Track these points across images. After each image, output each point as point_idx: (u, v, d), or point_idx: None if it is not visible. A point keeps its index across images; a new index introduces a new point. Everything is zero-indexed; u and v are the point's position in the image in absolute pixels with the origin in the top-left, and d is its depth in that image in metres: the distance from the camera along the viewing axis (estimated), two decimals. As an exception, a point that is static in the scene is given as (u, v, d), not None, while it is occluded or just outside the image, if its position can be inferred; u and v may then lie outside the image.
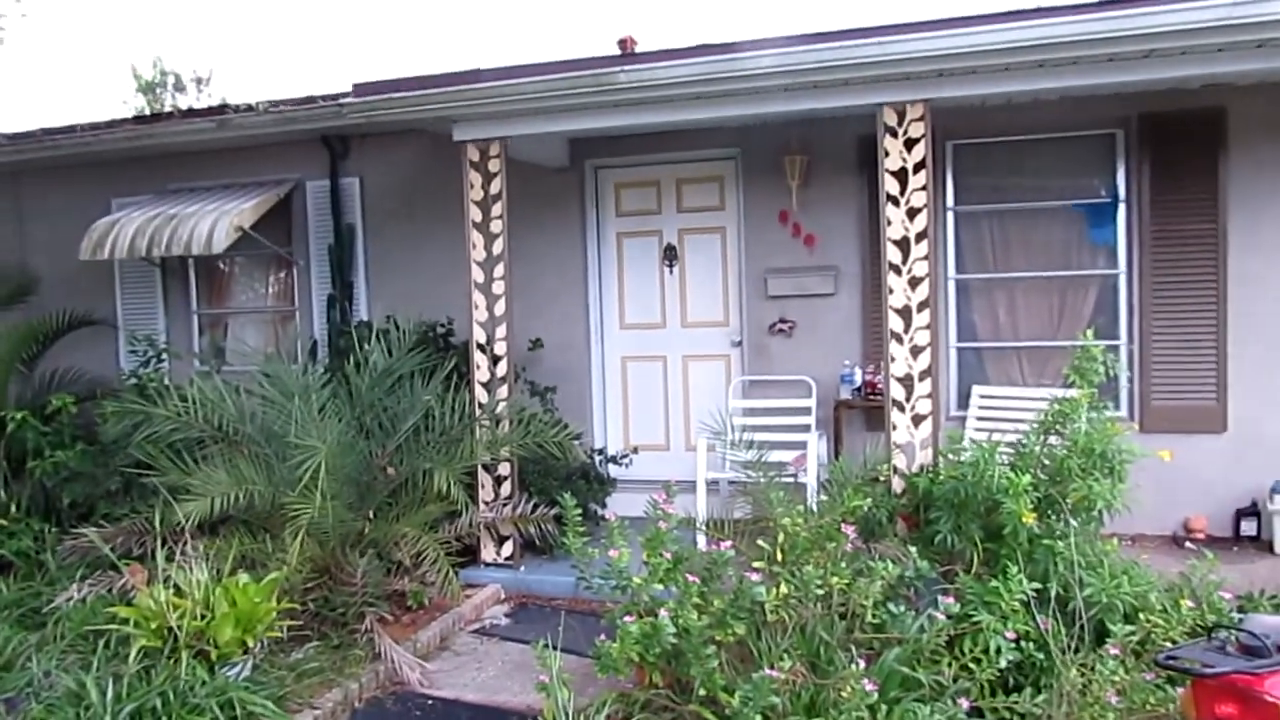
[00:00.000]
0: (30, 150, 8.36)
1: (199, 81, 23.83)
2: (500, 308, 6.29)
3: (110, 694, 3.99)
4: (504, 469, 6.30)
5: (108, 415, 6.15)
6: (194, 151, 8.25)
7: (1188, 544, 5.84)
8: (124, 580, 5.11)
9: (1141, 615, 3.89)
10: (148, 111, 21.29)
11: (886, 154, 5.43)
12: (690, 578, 3.94)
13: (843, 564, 4.01)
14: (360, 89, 6.21)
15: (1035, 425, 4.61)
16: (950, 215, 6.81)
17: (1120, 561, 4.18)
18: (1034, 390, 6.29)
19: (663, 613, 3.76)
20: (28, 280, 8.44)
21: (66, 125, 8.25)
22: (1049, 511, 4.26)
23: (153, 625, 4.43)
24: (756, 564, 4.03)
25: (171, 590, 4.57)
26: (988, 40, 5.03)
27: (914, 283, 5.40)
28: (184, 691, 4.06)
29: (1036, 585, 3.93)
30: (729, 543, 4.06)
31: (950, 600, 3.82)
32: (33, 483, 6.85)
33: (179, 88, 23.55)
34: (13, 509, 6.71)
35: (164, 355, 7.64)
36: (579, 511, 4.50)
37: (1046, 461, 4.46)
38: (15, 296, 8.37)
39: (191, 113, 8.52)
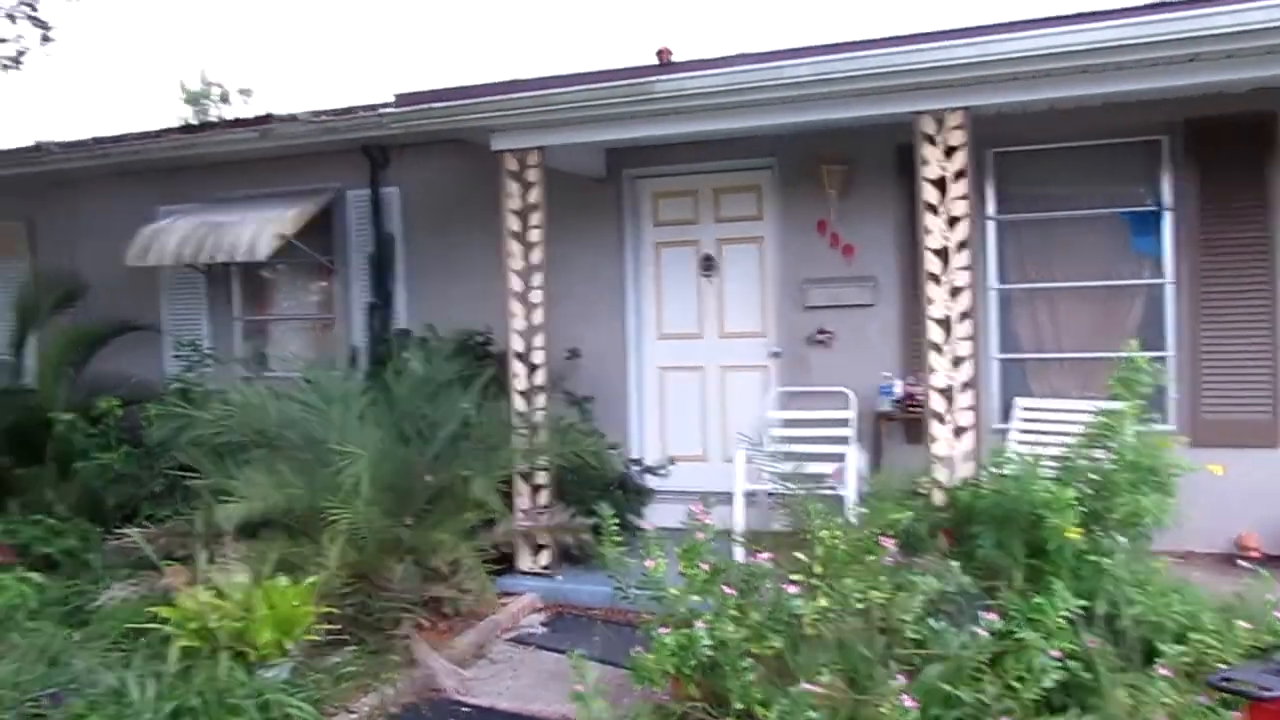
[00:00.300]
0: (82, 158, 8.56)
1: (243, 93, 24.23)
2: (538, 317, 6.30)
3: (151, 692, 4.04)
4: (541, 478, 6.30)
5: (152, 418, 6.23)
6: (238, 161, 8.39)
7: (1241, 562, 5.69)
8: (166, 581, 5.18)
9: (1193, 635, 3.79)
10: (194, 122, 21.68)
11: (925, 162, 5.37)
12: (727, 589, 3.91)
13: (882, 578, 3.96)
14: (401, 99, 6.27)
15: (1080, 438, 4.53)
16: (991, 224, 6.74)
17: (1170, 579, 4.09)
18: (1079, 403, 6.16)
19: (699, 624, 3.73)
20: (77, 286, 8.58)
21: (116, 134, 8.45)
22: (1095, 527, 4.17)
23: (193, 626, 4.47)
24: (794, 576, 3.99)
25: (212, 592, 4.62)
26: (1027, 46, 4.96)
27: (954, 292, 5.34)
28: (223, 691, 4.10)
29: (1083, 603, 3.84)
30: (767, 555, 4.02)
31: (993, 616, 3.76)
32: (79, 483, 6.95)
33: (224, 99, 23.94)
34: (60, 509, 6.83)
35: (207, 360, 7.74)
36: (616, 521, 4.47)
37: (1092, 475, 4.38)
38: (65, 301, 8.52)
39: (236, 122, 8.67)
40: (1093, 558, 4.01)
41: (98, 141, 8.50)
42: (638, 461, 7.31)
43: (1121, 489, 4.14)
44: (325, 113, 7.56)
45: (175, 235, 7.63)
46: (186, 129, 8.96)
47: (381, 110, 6.68)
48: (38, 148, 8.69)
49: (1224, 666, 3.65)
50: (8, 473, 7.57)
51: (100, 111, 34.38)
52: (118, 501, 6.76)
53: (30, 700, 4.24)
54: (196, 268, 8.37)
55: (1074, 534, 3.96)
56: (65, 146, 8.59)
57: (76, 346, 8.26)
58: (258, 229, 7.40)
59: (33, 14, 10.05)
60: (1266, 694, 2.71)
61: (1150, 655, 3.81)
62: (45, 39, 10.18)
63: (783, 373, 7.27)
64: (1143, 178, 6.51)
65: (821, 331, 7.06)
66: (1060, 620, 3.73)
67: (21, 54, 10.17)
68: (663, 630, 3.80)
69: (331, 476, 5.27)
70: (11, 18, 10.03)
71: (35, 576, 5.67)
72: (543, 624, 5.85)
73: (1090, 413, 4.68)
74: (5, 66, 10.21)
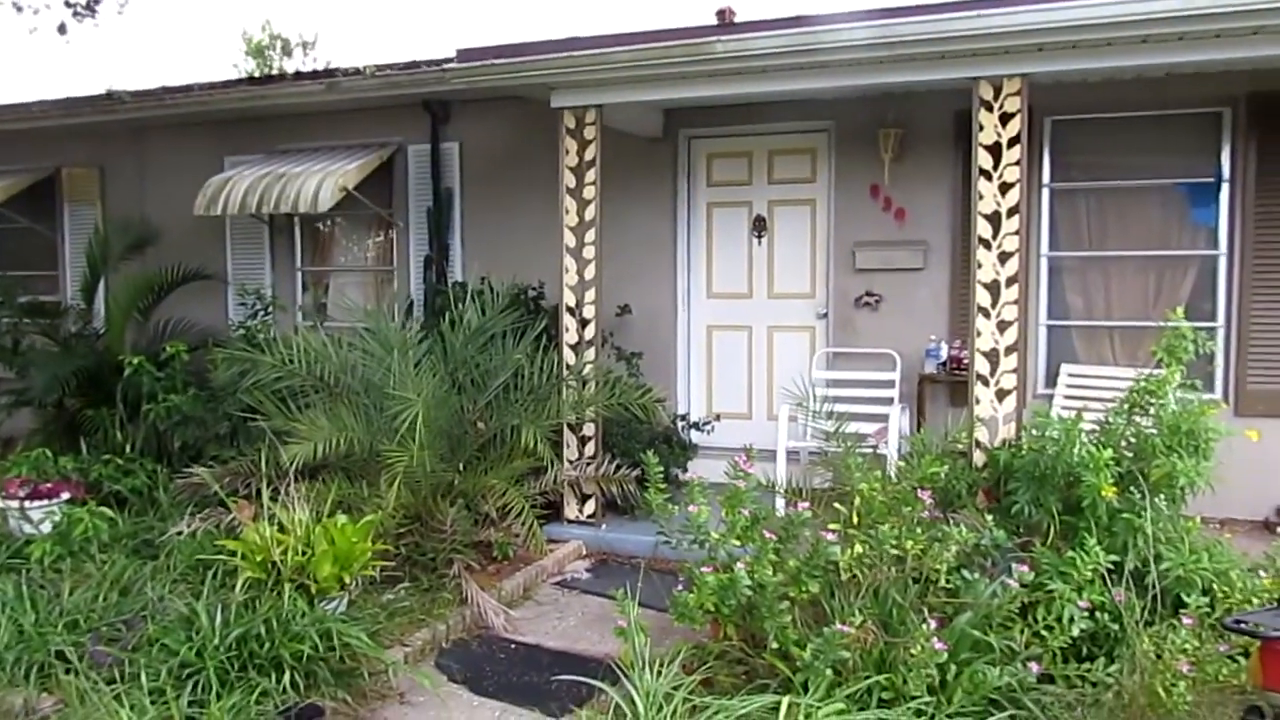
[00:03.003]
0: (152, 108, 8.74)
1: (305, 46, 24.49)
2: (590, 272, 6.43)
3: (219, 619, 4.20)
4: (589, 429, 6.47)
5: (218, 362, 6.46)
6: (303, 113, 8.56)
7: (1280, 529, 5.75)
8: (231, 517, 5.41)
9: (1214, 587, 3.88)
10: (258, 74, 21.99)
11: (981, 128, 5.39)
12: (768, 534, 4.04)
13: (918, 529, 4.07)
14: (464, 54, 6.39)
15: (1120, 402, 4.59)
16: (1046, 192, 6.73)
17: (1202, 540, 4.17)
18: (1124, 370, 6.18)
19: (739, 566, 3.87)
20: (149, 232, 8.81)
21: (185, 85, 8.64)
22: (1130, 488, 4.24)
23: (258, 559, 4.67)
24: (832, 526, 4.11)
25: (275, 527, 4.84)
26: (1087, 15, 4.93)
27: (1003, 258, 5.38)
28: (286, 621, 4.24)
29: (1114, 558, 3.94)
30: (806, 504, 4.15)
31: (1025, 569, 3.86)
32: (146, 425, 7.17)
33: (286, 52, 24.23)
34: (128, 449, 7.10)
35: (270, 308, 7.98)
36: (660, 473, 4.60)
37: (1131, 439, 4.44)
38: (135, 248, 8.75)
39: (302, 75, 8.84)
40: (1126, 516, 4.08)
41: (168, 91, 8.67)
42: (684, 417, 7.45)
43: (1158, 451, 4.20)
44: (389, 67, 7.70)
45: (242, 186, 7.81)
46: (254, 81, 9.16)
47: (445, 65, 6.79)
48: (109, 96, 8.86)
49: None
50: (78, 414, 7.88)
51: (166, 61, 34.93)
52: (183, 442, 6.97)
53: (107, 625, 4.50)
54: (260, 218, 8.59)
55: (1109, 492, 4.03)
56: (137, 95, 8.75)
57: (145, 293, 8.44)
58: (321, 181, 7.56)
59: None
60: (1275, 634, 2.80)
61: (1178, 609, 3.89)
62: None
63: (830, 334, 7.35)
64: (1201, 150, 6.45)
65: (870, 294, 7.12)
66: (1090, 574, 3.84)
67: (94, 2, 10.30)
68: (705, 570, 3.94)
69: (388, 421, 5.48)
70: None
71: (106, 511, 5.89)
72: (587, 570, 6.04)
73: (1135, 380, 4.72)
74: (79, 15, 10.34)
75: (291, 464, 5.30)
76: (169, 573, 5.14)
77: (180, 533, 5.47)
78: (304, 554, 4.71)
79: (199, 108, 8.58)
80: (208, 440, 6.90)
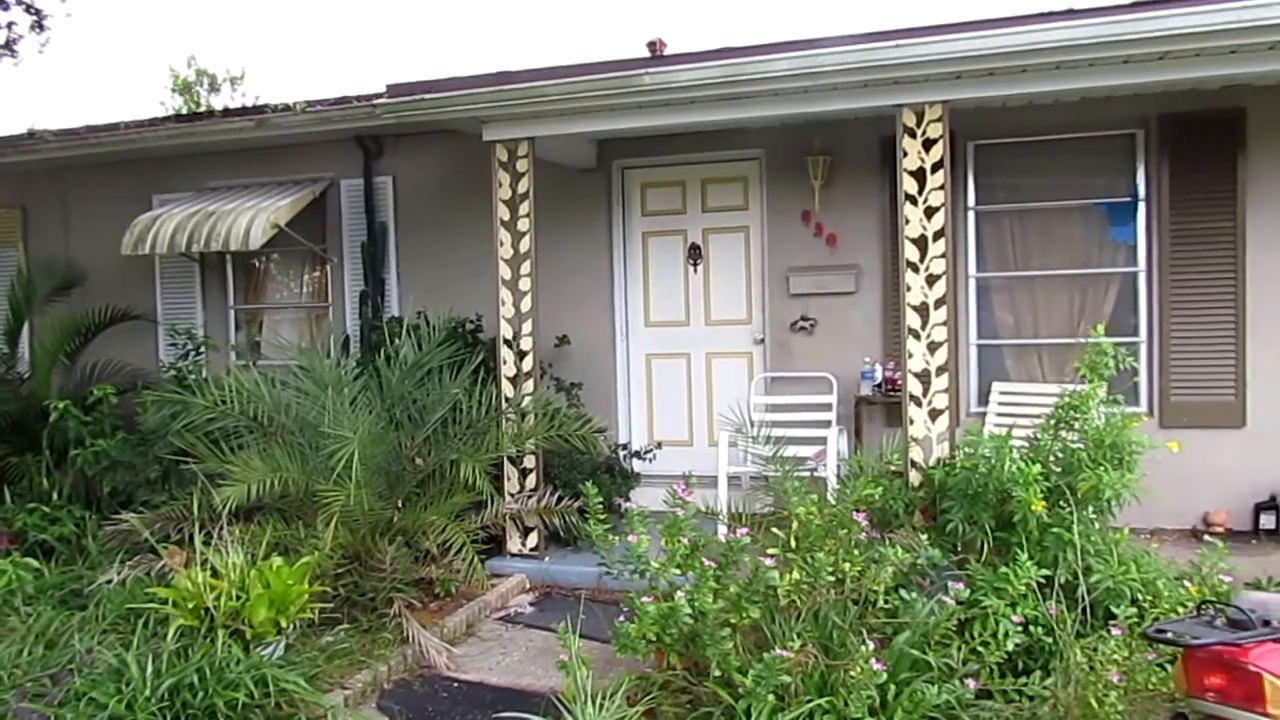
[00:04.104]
0: (76, 147, 8.59)
1: (232, 81, 24.20)
2: (527, 304, 6.43)
3: (150, 670, 4.09)
4: (529, 461, 6.44)
5: (148, 405, 6.32)
6: (233, 150, 8.47)
7: (1206, 537, 5.88)
8: (162, 563, 5.29)
9: (1143, 598, 3.98)
10: (185, 110, 21.67)
11: (905, 154, 5.52)
12: (707, 562, 4.05)
13: (856, 552, 4.10)
14: (394, 89, 6.38)
15: (1047, 418, 4.69)
16: (971, 215, 6.89)
17: (1130, 550, 4.27)
18: (1053, 386, 6.32)
19: (680, 594, 3.87)
20: (74, 274, 8.64)
21: (110, 123, 8.50)
22: (1060, 502, 4.33)
23: (190, 605, 4.57)
24: (771, 550, 4.13)
25: (208, 572, 4.73)
26: (1002, 44, 5.12)
27: (931, 280, 5.49)
28: (220, 668, 4.15)
29: (1045, 572, 4.02)
30: (745, 530, 4.17)
31: (960, 586, 3.91)
32: (74, 471, 7.03)
33: (214, 88, 23.91)
34: (55, 496, 6.92)
35: (202, 348, 7.84)
36: (601, 503, 4.60)
37: (1059, 454, 4.54)
38: (60, 290, 8.58)
39: (231, 112, 8.74)
40: (1056, 530, 4.17)
41: (92, 130, 8.51)
42: (625, 446, 7.45)
43: (1084, 465, 4.30)
44: (319, 103, 7.66)
45: (170, 224, 7.70)
46: (182, 118, 9.03)
47: (375, 101, 6.78)
48: (31, 135, 8.71)
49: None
50: (2, 461, 7.66)
51: (90, 97, 34.34)
52: (112, 488, 6.84)
53: (32, 680, 4.35)
54: (190, 257, 8.46)
55: (1038, 507, 4.11)
56: (59, 135, 8.61)
57: (71, 335, 8.31)
58: (253, 218, 7.49)
59: (26, 0, 9.99)
60: (1194, 642, 2.87)
61: (1109, 620, 3.96)
62: (39, 26, 10.12)
63: (767, 359, 7.42)
64: (1118, 170, 6.67)
65: (805, 318, 7.21)
66: (1023, 588, 3.91)
67: (14, 41, 10.10)
68: (645, 599, 3.94)
69: (324, 460, 5.40)
70: (4, 4, 9.95)
71: (31, 562, 5.75)
72: (531, 604, 5.99)
73: (1060, 396, 4.83)
74: (-2, 54, 10.15)
75: (225, 507, 5.20)
76: (98, 623, 5.01)
77: (110, 581, 5.34)
78: (238, 598, 4.63)
79: (125, 146, 8.44)
80: (138, 485, 6.76)
